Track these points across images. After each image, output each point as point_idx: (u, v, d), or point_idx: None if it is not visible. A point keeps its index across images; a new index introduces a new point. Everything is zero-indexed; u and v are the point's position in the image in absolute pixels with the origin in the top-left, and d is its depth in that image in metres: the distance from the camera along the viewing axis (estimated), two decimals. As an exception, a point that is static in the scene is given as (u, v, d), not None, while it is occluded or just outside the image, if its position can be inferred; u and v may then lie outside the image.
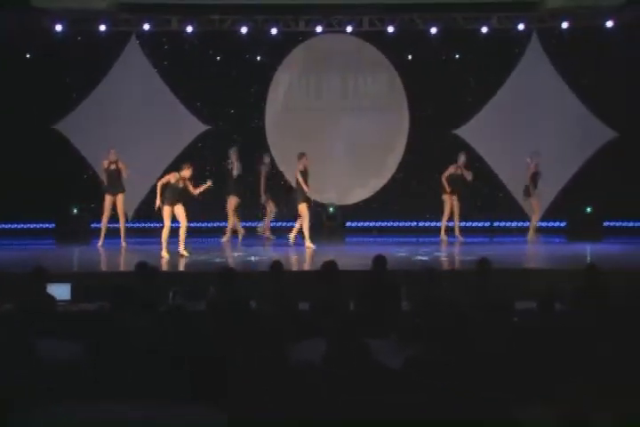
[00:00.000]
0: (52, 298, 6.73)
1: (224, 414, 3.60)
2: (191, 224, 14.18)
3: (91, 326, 5.02)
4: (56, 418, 3.62)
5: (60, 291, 7.82)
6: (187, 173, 11.31)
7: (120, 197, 13.70)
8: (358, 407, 3.51)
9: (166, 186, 11.35)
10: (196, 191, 11.52)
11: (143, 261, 7.31)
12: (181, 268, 10.68)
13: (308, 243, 12.64)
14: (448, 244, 13.63)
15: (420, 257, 11.56)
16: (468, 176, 13.91)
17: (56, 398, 3.84)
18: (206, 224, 15.69)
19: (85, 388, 4.05)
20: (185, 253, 11.37)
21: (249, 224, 14.82)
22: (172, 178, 11.33)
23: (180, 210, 11.34)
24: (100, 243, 13.35)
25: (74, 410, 3.69)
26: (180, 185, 11.27)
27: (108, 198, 13.65)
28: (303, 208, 12.78)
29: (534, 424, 3.52)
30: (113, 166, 13.47)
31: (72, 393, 3.95)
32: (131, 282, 7.10)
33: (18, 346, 4.48)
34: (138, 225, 15.01)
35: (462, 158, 14.01)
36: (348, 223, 14.89)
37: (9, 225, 15.52)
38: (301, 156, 12.96)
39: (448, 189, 13.85)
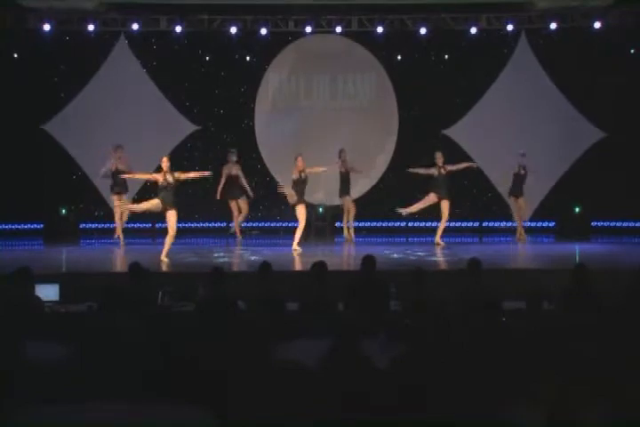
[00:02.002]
0: (39, 299, 6.70)
1: (213, 415, 3.60)
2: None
3: (79, 327, 5.00)
4: (44, 420, 3.60)
5: (49, 291, 7.79)
6: (165, 165, 11.07)
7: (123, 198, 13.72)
8: (348, 407, 3.51)
9: (158, 187, 11.19)
10: (189, 175, 11.28)
11: (136, 261, 7.28)
12: (171, 269, 10.63)
13: (295, 245, 12.40)
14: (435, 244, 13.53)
15: (409, 257, 11.57)
16: (470, 164, 13.70)
17: (44, 399, 3.82)
18: (197, 224, 15.69)
19: (74, 389, 4.04)
20: (165, 259, 11.10)
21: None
22: (158, 178, 11.14)
23: (171, 216, 11.09)
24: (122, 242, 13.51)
25: (62, 412, 3.67)
26: (171, 180, 11.04)
27: (115, 198, 13.63)
28: (301, 210, 12.47)
29: (522, 425, 3.53)
30: (121, 166, 13.35)
31: (60, 395, 3.93)
32: (120, 282, 7.09)
33: (4, 347, 4.46)
34: (126, 226, 14.93)
35: (440, 158, 13.43)
36: (338, 223, 14.89)
37: (-3, 226, 15.47)
38: (295, 159, 12.56)
39: (421, 171, 13.55)
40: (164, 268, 10.47)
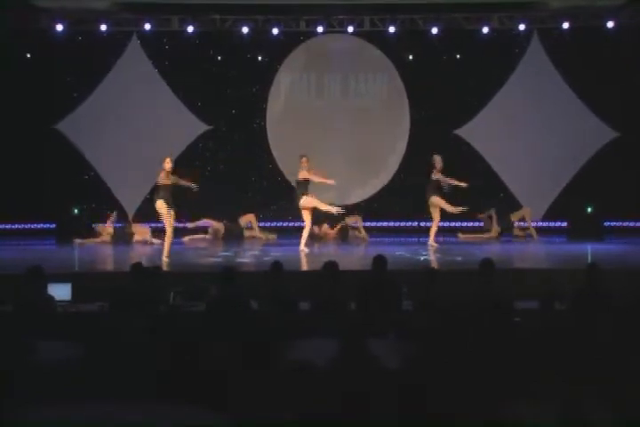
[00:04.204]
0: (51, 298, 6.72)
1: (221, 415, 3.60)
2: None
3: (87, 328, 5.01)
4: (49, 420, 3.61)
5: (61, 291, 7.80)
6: (167, 165, 11.05)
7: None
8: (356, 407, 3.51)
9: (159, 187, 11.20)
10: (183, 183, 11.21)
11: (138, 262, 7.30)
12: (182, 268, 10.64)
13: (302, 246, 12.25)
14: (446, 244, 13.41)
15: (420, 257, 11.55)
16: (459, 183, 12.86)
17: (54, 399, 3.83)
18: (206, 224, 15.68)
19: (84, 389, 4.04)
20: (167, 259, 11.04)
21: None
22: (161, 176, 11.16)
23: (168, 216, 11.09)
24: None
25: (72, 411, 3.68)
26: (169, 182, 11.05)
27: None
28: (306, 212, 12.29)
29: (533, 424, 3.52)
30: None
31: (70, 394, 3.94)
32: (130, 283, 7.10)
33: (15, 347, 4.47)
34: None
35: (439, 161, 12.93)
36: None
37: (10, 225, 15.53)
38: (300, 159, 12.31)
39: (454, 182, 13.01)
40: (166, 267, 10.47)
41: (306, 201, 12.17)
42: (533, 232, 14.84)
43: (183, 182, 11.30)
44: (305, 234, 12.33)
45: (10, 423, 3.54)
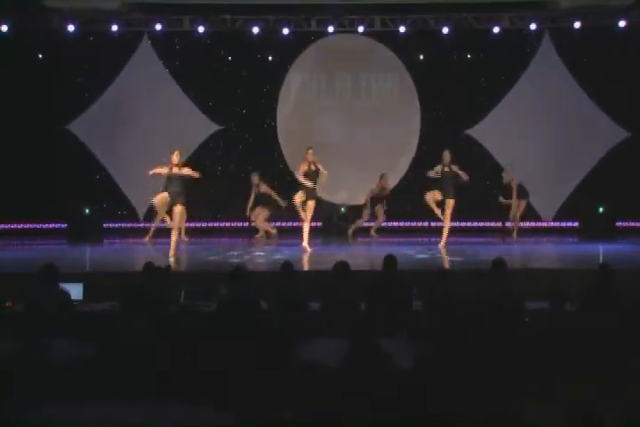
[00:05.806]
0: (67, 293, 6.74)
1: (228, 415, 3.60)
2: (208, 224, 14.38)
3: (101, 326, 5.03)
4: (61, 418, 3.62)
5: (73, 291, 7.82)
6: (175, 158, 11.09)
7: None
8: (366, 406, 3.51)
9: (163, 178, 11.19)
10: (185, 171, 11.13)
11: (149, 261, 7.31)
12: (193, 268, 10.66)
13: (304, 243, 12.17)
14: (456, 244, 13.33)
15: (431, 257, 11.53)
16: (464, 176, 12.65)
17: (64, 398, 3.83)
18: (218, 224, 15.74)
19: (96, 388, 4.05)
20: (174, 256, 11.09)
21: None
22: (163, 170, 11.10)
23: (177, 211, 11.09)
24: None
25: (78, 410, 3.69)
26: (175, 172, 11.04)
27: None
28: (310, 205, 12.13)
29: (545, 424, 3.51)
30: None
31: (80, 393, 3.95)
32: (141, 282, 7.12)
33: (28, 345, 4.49)
34: (150, 225, 15.02)
35: (447, 156, 12.74)
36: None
37: (22, 225, 15.59)
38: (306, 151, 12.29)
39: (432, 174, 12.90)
40: (175, 266, 10.48)
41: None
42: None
43: (186, 172, 11.17)
44: (305, 230, 12.19)
45: (11, 423, 3.54)
